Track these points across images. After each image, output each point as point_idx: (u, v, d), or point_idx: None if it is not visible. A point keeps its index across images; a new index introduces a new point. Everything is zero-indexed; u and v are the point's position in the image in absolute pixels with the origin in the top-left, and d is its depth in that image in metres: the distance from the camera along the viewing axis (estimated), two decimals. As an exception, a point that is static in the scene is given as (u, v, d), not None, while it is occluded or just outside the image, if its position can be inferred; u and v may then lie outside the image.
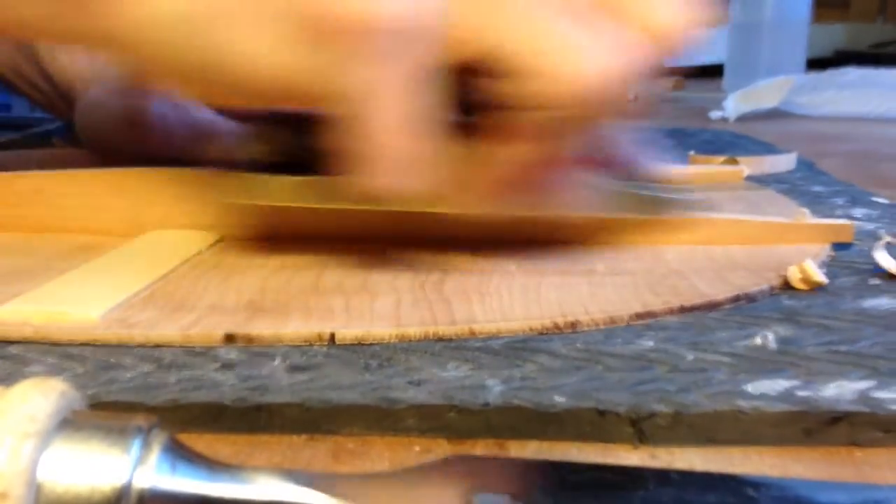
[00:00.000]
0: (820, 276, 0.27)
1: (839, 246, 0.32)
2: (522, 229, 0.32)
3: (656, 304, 0.25)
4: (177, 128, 0.37)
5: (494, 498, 0.15)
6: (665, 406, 0.19)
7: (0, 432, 0.13)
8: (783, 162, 0.49)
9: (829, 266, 0.30)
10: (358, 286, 0.27)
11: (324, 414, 0.19)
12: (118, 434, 0.14)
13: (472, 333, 0.23)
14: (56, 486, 0.14)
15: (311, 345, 0.23)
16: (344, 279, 0.28)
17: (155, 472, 0.14)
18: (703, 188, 0.42)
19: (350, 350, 0.22)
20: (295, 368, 0.21)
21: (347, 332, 0.23)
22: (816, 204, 0.39)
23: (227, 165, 0.31)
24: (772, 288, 0.27)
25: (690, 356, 0.22)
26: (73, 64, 0.44)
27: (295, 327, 0.23)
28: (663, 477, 0.16)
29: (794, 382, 0.20)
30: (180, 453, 0.15)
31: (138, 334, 0.23)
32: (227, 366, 0.21)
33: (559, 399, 0.19)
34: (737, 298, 0.26)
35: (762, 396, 0.20)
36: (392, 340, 0.23)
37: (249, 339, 0.23)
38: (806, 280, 0.27)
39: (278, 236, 0.32)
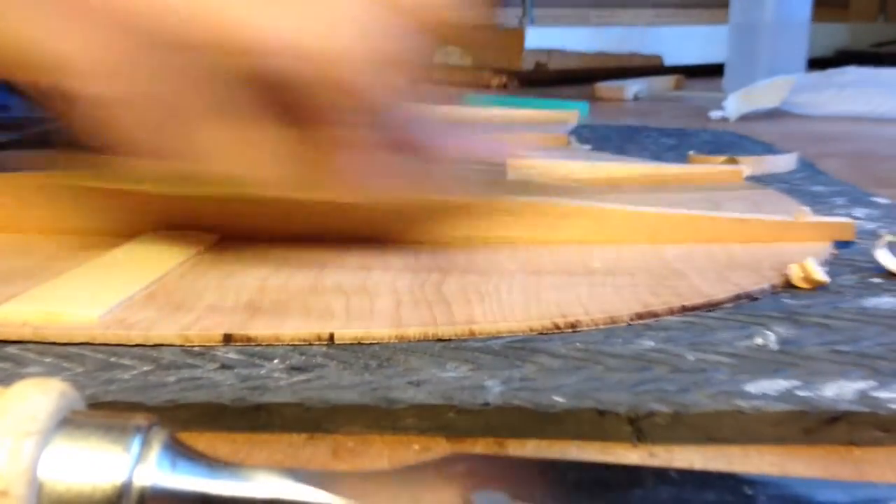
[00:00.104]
0: (822, 275, 0.27)
1: (840, 245, 0.32)
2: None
3: (656, 303, 0.25)
4: None
5: (493, 496, 0.15)
6: (664, 406, 0.19)
7: (0, 431, 0.13)
8: (783, 162, 0.49)
9: (831, 265, 0.30)
10: (357, 286, 0.27)
11: (323, 413, 0.19)
12: (118, 432, 0.14)
13: (472, 334, 0.23)
14: (57, 485, 0.14)
15: (310, 345, 0.23)
16: (343, 279, 0.28)
17: (155, 470, 0.14)
18: (704, 188, 0.42)
19: (349, 350, 0.22)
20: (294, 369, 0.21)
21: (347, 332, 0.23)
22: (817, 204, 0.39)
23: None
24: (773, 287, 0.27)
25: (691, 356, 0.22)
26: None
27: (294, 327, 0.23)
28: (662, 475, 0.16)
29: (795, 382, 0.20)
30: (180, 451, 0.15)
31: (137, 334, 0.23)
32: (227, 366, 0.21)
33: (559, 399, 0.19)
34: (737, 297, 0.26)
35: (762, 396, 0.20)
36: (391, 341, 0.23)
37: (248, 339, 0.23)
38: (807, 279, 0.27)
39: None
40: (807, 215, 0.33)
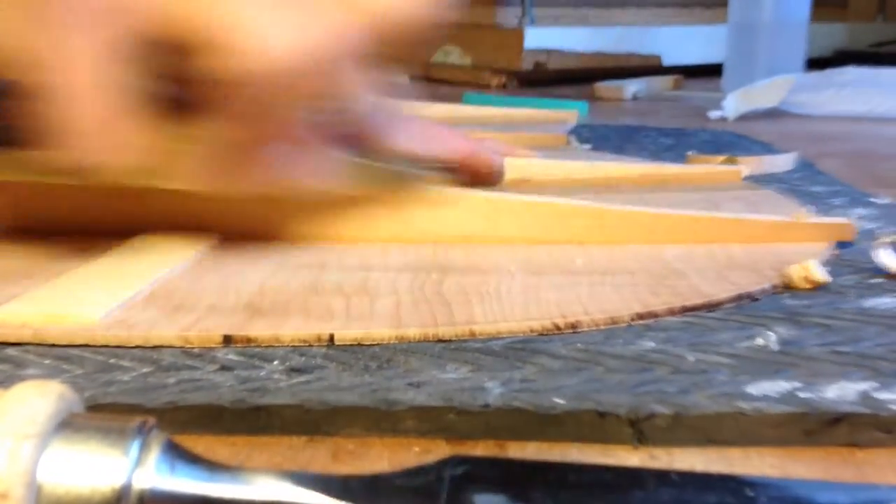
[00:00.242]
0: (822, 275, 0.27)
1: (840, 245, 0.32)
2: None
3: (657, 304, 0.25)
4: None
5: (494, 498, 0.15)
6: (665, 408, 0.19)
7: (-1, 434, 0.13)
8: (782, 162, 0.49)
9: (831, 265, 0.30)
10: (357, 287, 0.27)
11: (323, 415, 0.19)
12: (117, 435, 0.14)
13: (472, 335, 0.23)
14: (56, 488, 0.14)
15: (310, 346, 0.23)
16: (343, 280, 0.28)
17: (154, 473, 0.14)
18: (703, 188, 0.42)
19: (349, 351, 0.22)
20: (294, 370, 0.21)
21: (347, 333, 0.23)
22: (816, 204, 0.39)
23: None
24: (773, 287, 0.27)
25: (691, 357, 0.22)
26: None
27: (294, 328, 0.23)
28: (663, 477, 0.16)
29: (796, 384, 0.20)
30: (179, 454, 0.14)
31: (137, 336, 0.23)
32: (226, 367, 0.21)
33: (559, 401, 0.19)
34: (738, 298, 0.26)
35: (763, 398, 0.20)
36: (391, 342, 0.23)
37: (248, 341, 0.23)
38: (808, 279, 0.27)
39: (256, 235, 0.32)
40: (807, 215, 0.33)
